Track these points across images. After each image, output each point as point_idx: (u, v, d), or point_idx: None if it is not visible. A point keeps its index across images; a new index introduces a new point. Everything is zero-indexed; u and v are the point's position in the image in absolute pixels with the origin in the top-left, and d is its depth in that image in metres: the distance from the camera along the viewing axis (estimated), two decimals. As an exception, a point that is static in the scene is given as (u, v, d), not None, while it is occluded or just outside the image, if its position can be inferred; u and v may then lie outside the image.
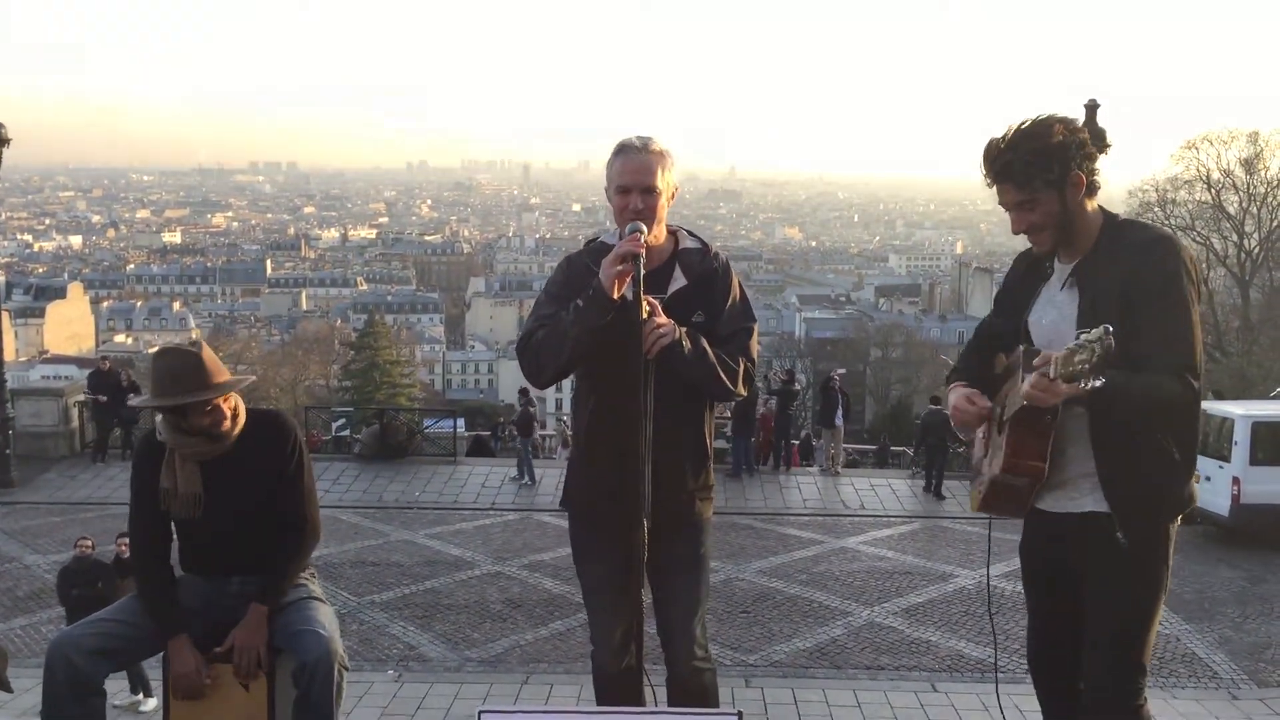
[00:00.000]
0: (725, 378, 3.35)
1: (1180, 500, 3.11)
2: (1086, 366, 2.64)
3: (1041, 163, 2.97)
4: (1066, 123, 3.03)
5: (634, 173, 3.29)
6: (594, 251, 3.46)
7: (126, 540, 8.02)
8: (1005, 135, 3.02)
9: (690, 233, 3.53)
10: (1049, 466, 3.11)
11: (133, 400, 16.34)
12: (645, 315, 3.13)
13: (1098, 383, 2.65)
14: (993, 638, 8.25)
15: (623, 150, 3.33)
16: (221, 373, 3.53)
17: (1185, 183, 41.33)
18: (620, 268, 3.11)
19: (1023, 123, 3.02)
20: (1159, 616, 3.19)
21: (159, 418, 3.65)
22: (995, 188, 3.06)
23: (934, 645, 9.55)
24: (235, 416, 3.57)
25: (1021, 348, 3.06)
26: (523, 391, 19.61)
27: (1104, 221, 3.09)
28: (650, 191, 3.29)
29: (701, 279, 3.42)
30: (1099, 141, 3.10)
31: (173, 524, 3.64)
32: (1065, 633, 3.25)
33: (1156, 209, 40.19)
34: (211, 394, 3.44)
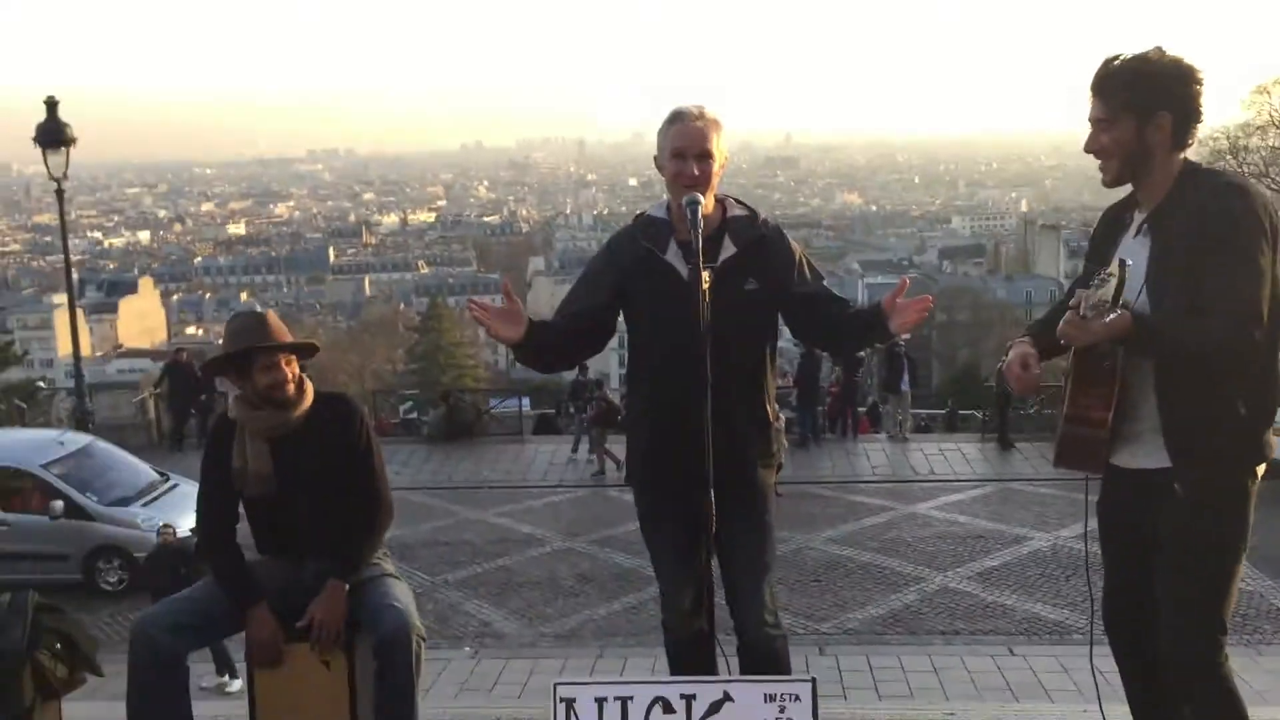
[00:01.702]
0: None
1: (1248, 455, 3.00)
2: (1106, 301, 2.77)
3: (1131, 83, 2.93)
4: (1182, 65, 2.95)
5: (690, 137, 3.30)
6: (643, 225, 3.51)
7: None
8: (1121, 54, 3.01)
9: (738, 200, 3.52)
10: (1121, 419, 3.05)
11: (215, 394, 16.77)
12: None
13: (1115, 314, 2.77)
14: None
15: (677, 117, 3.34)
16: (284, 333, 3.66)
17: (1258, 128, 40.18)
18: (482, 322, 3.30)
19: (1145, 51, 2.98)
20: (1237, 575, 3.08)
21: (231, 397, 3.75)
22: (1091, 102, 3.03)
23: (1010, 609, 9.47)
24: (301, 388, 3.65)
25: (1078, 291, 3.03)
26: (585, 381, 18.46)
27: (1182, 169, 3.00)
28: (705, 157, 3.30)
29: (751, 246, 3.41)
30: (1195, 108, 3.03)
31: (245, 506, 3.72)
32: (1142, 592, 3.18)
33: (1229, 157, 39.12)
34: (270, 343, 3.56)
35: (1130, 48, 3.05)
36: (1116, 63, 2.99)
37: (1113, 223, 3.23)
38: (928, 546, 11.71)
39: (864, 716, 5.30)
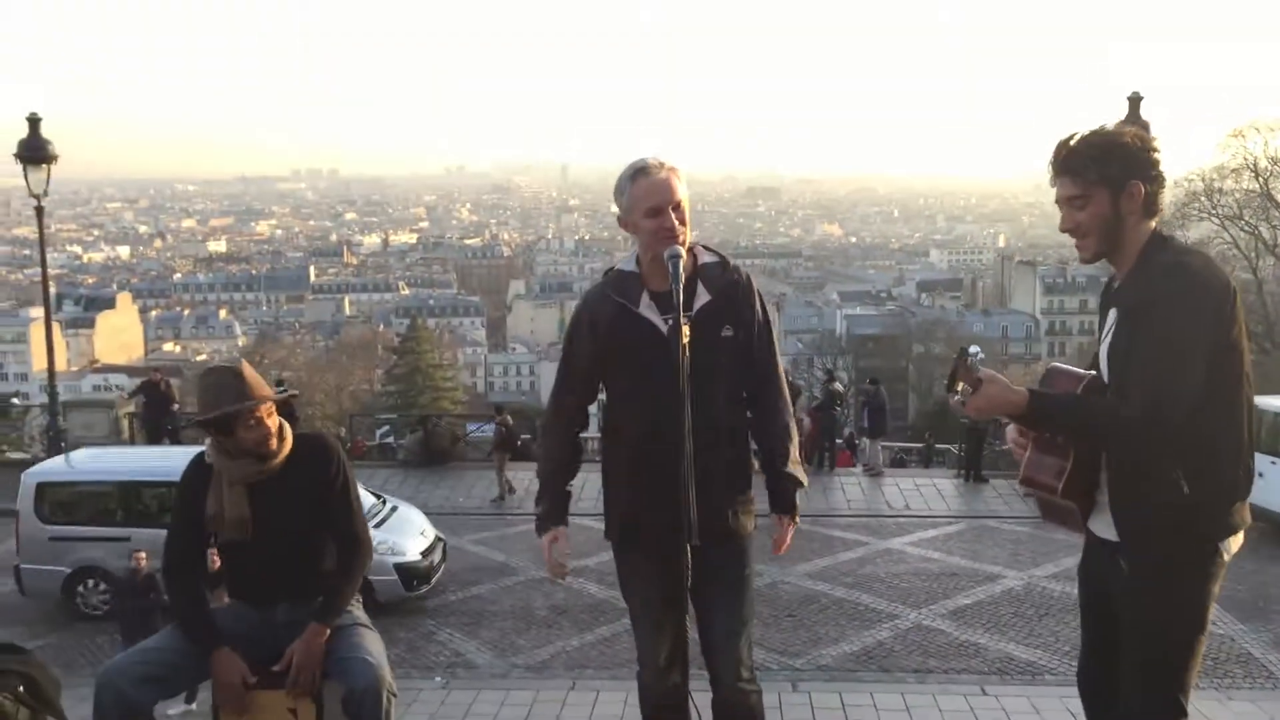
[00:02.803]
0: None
1: (1198, 533, 2.97)
2: (945, 384, 2.97)
3: (1103, 157, 2.93)
4: (1140, 134, 3.00)
5: (662, 191, 3.31)
6: (612, 280, 3.50)
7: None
8: (1076, 133, 3.01)
9: (706, 247, 3.52)
10: (1096, 488, 3.08)
11: (177, 419, 16.59)
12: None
13: (955, 398, 2.92)
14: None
15: (641, 172, 3.33)
16: (262, 386, 3.58)
17: (1232, 171, 40.62)
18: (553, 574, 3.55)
19: (1098, 126, 3.02)
20: (1197, 652, 3.05)
21: (208, 441, 3.70)
22: (1056, 183, 3.03)
23: (983, 648, 9.47)
24: (282, 436, 3.60)
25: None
26: (499, 408, 19.83)
27: (1149, 240, 3.01)
28: (679, 207, 3.33)
29: (724, 293, 3.42)
30: (1155, 167, 3.06)
31: (220, 550, 3.68)
32: (1112, 656, 3.19)
33: (1203, 198, 39.57)
34: (251, 404, 3.48)
35: (1085, 124, 3.06)
36: (1076, 140, 2.99)
37: (1105, 291, 3.26)
38: (902, 583, 11.72)
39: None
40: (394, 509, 12.16)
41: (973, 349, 2.94)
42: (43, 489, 11.27)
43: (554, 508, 3.55)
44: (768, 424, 3.55)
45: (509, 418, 18.18)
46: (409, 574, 10.93)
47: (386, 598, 10.71)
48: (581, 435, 3.64)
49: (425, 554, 11.26)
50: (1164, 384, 2.80)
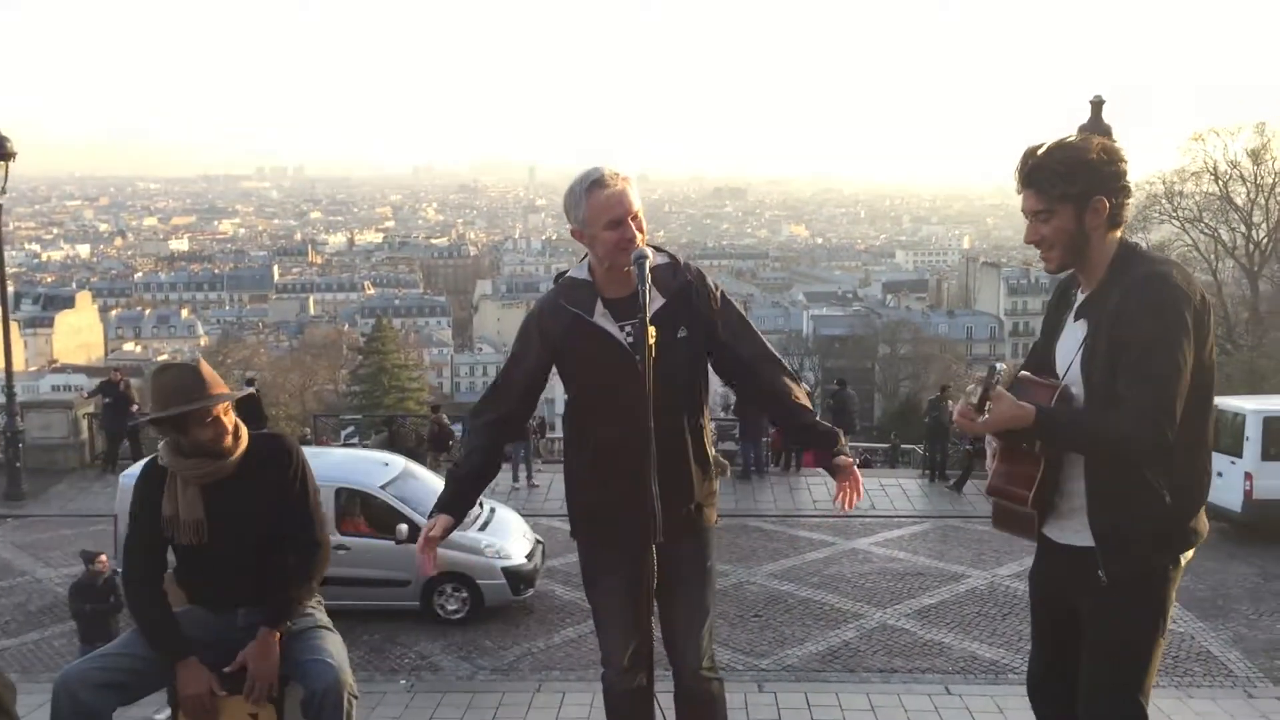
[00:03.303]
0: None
1: (1171, 543, 3.02)
2: (973, 400, 2.94)
3: (1067, 174, 2.93)
4: (1107, 147, 2.99)
5: (621, 202, 3.31)
6: (565, 288, 3.48)
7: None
8: (1043, 144, 3.01)
9: (656, 248, 3.49)
10: (1055, 493, 3.09)
11: (137, 420, 16.41)
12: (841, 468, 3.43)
13: (984, 416, 2.92)
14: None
15: (597, 184, 3.31)
16: (219, 384, 3.52)
17: (1192, 174, 41.20)
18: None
19: (1065, 137, 3.01)
20: (1157, 657, 3.11)
21: (161, 443, 3.64)
22: (1021, 194, 3.03)
23: (947, 647, 9.52)
24: (237, 436, 3.55)
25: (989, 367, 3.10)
26: (435, 407, 19.81)
27: (1117, 251, 3.01)
28: (636, 216, 3.33)
29: (678, 294, 3.42)
30: (1122, 178, 3.06)
31: (177, 554, 3.62)
32: (1065, 663, 3.21)
33: (1164, 201, 40.09)
34: (209, 402, 3.43)
35: (1049, 133, 3.06)
36: (1042, 153, 2.98)
37: (1061, 297, 3.26)
38: (867, 583, 11.77)
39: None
40: (492, 511, 11.90)
41: (998, 366, 2.95)
42: None
43: (450, 499, 3.54)
44: (781, 400, 3.56)
45: (444, 416, 18.29)
46: (515, 578, 10.74)
47: (494, 602, 10.64)
48: (508, 446, 3.62)
49: (529, 557, 11.08)
50: (1162, 399, 2.82)
